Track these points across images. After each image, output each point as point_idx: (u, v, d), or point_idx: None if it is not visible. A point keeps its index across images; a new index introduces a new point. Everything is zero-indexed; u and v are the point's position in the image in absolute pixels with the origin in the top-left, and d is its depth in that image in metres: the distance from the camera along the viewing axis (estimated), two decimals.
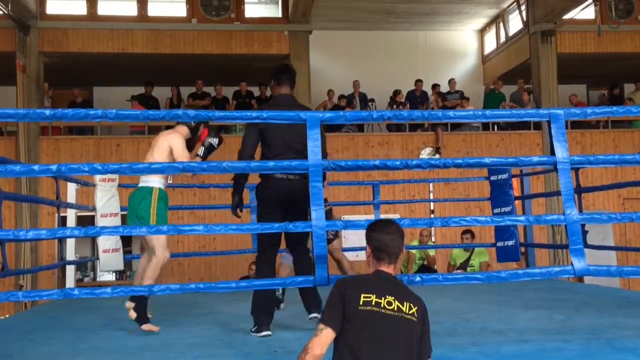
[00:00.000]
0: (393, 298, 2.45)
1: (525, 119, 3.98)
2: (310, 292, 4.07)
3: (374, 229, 2.62)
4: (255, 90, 12.26)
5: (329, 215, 5.25)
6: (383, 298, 2.44)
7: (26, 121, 9.90)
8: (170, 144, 4.33)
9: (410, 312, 2.45)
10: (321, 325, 2.44)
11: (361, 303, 2.42)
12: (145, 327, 4.02)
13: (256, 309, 3.98)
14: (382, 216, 8.53)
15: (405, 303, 2.46)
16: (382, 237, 2.58)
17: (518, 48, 13.13)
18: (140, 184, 4.42)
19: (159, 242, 4.21)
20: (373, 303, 2.42)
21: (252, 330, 3.93)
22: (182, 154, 4.32)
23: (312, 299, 4.08)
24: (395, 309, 2.44)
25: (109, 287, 3.20)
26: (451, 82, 12.66)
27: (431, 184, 11.08)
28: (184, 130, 4.52)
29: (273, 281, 3.74)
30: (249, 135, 4.10)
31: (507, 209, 6.74)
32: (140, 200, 4.32)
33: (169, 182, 4.62)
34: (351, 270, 6.17)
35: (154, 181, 4.39)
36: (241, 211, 4.34)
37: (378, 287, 2.48)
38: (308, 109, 4.24)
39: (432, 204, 11.28)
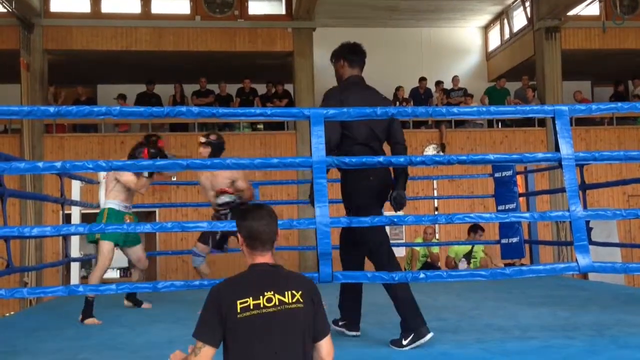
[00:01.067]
0: (272, 292, 2.35)
1: (530, 116, 3.98)
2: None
3: (244, 218, 2.47)
4: (259, 88, 12.25)
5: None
6: (261, 297, 2.33)
7: (30, 118, 9.96)
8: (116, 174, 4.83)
9: (294, 299, 2.36)
10: (199, 344, 2.32)
11: (239, 311, 2.30)
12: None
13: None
14: (386, 213, 8.53)
15: (286, 293, 2.36)
16: (253, 224, 2.44)
17: (522, 44, 13.09)
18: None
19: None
20: (251, 307, 2.31)
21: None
22: (128, 175, 4.83)
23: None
24: (277, 303, 2.34)
25: (113, 284, 3.21)
26: (455, 79, 12.63)
27: (435, 181, 11.07)
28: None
29: None
30: (331, 124, 3.74)
31: (512, 206, 6.74)
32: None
33: (127, 203, 4.99)
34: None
35: (109, 203, 4.90)
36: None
37: (254, 287, 2.37)
38: (376, 91, 4.11)
39: (436, 201, 11.26)
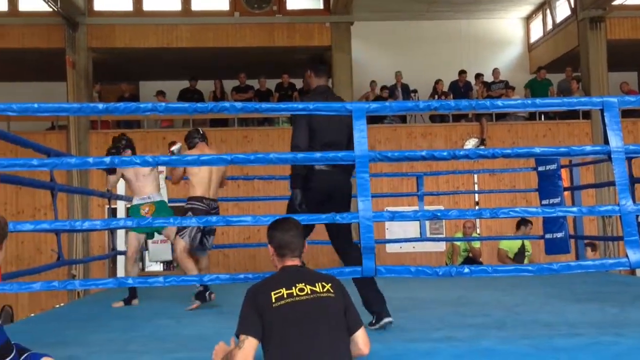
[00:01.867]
0: (304, 284, 2.53)
1: (578, 108, 3.90)
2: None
3: (275, 229, 2.73)
4: (298, 83, 12.29)
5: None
6: (294, 287, 2.52)
7: (80, 115, 10.22)
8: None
9: (325, 289, 2.54)
10: (242, 336, 2.48)
11: (274, 301, 2.48)
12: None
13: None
14: (427, 208, 8.47)
15: (317, 284, 2.55)
16: (284, 236, 2.69)
17: (566, 35, 12.80)
18: None
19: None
20: (285, 296, 2.49)
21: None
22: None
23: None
24: (309, 292, 2.51)
25: (160, 276, 3.28)
26: (495, 71, 12.42)
27: (476, 175, 10.93)
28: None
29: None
30: (300, 127, 3.97)
31: (556, 200, 6.61)
32: None
33: (142, 195, 5.28)
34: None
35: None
36: (305, 206, 4.06)
37: (286, 280, 2.56)
38: (342, 100, 4.20)
39: (476, 195, 11.13)
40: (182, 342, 3.53)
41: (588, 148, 3.72)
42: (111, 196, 5.87)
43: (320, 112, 3.73)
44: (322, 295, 2.53)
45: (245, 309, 2.55)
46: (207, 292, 4.81)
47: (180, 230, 4.86)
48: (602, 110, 3.56)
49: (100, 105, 3.52)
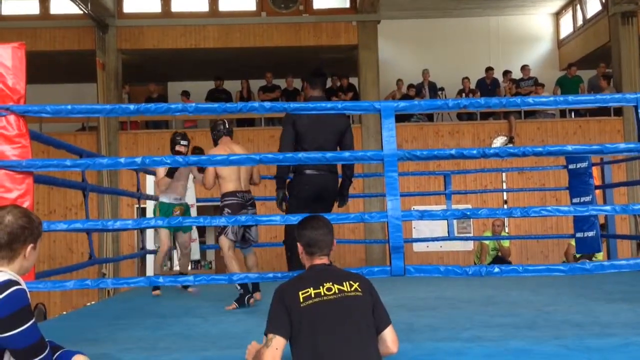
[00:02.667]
0: (331, 283, 2.53)
1: (610, 105, 3.82)
2: None
3: (304, 227, 2.71)
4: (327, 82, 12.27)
5: None
6: (321, 287, 2.51)
7: (112, 116, 10.37)
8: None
9: (352, 288, 2.54)
10: (270, 335, 2.49)
11: (302, 300, 2.48)
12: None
13: None
14: (454, 206, 8.41)
15: (344, 283, 2.54)
16: (313, 234, 2.67)
17: (596, 31, 12.57)
18: None
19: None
20: (313, 295, 2.49)
21: None
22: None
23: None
24: (337, 291, 2.51)
25: (191, 275, 3.32)
26: (524, 68, 12.26)
27: (504, 174, 10.81)
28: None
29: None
30: (284, 133, 4.47)
31: (587, 198, 6.51)
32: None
33: (176, 195, 5.77)
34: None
35: (161, 197, 5.68)
36: (286, 205, 4.56)
37: (314, 280, 2.55)
38: (347, 117, 4.69)
39: (505, 194, 11.01)
40: (211, 340, 3.57)
41: (622, 146, 3.65)
42: (140, 196, 5.95)
43: (347, 111, 3.76)
44: (349, 294, 2.53)
45: (274, 308, 2.56)
46: (247, 297, 4.77)
47: (222, 230, 4.88)
48: (635, 107, 3.49)
49: (132, 106, 3.58)
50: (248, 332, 3.76)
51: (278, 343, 2.47)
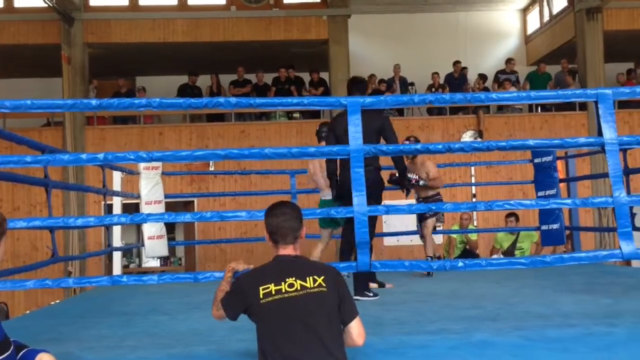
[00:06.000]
0: (294, 279, 2.47)
1: (572, 100, 3.89)
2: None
3: (267, 215, 2.66)
4: (295, 76, 12.26)
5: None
6: (283, 283, 2.46)
7: (74, 111, 10.20)
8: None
9: (316, 284, 2.48)
10: (221, 305, 2.60)
11: (261, 296, 2.45)
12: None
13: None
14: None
15: (307, 278, 2.48)
16: (273, 220, 2.61)
17: (562, 26, 12.77)
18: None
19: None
20: (273, 292, 2.44)
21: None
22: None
23: (359, 283, 4.66)
24: (299, 287, 2.45)
25: (155, 274, 3.29)
26: (510, 62, 12.31)
27: (472, 168, 10.93)
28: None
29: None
30: (328, 140, 4.93)
31: (552, 192, 6.62)
32: None
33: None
34: (433, 251, 6.41)
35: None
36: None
37: (276, 274, 2.50)
38: (381, 114, 4.80)
39: (473, 187, 11.13)
40: (177, 337, 3.55)
41: (582, 140, 3.73)
42: (106, 192, 5.87)
43: (313, 107, 3.76)
44: (312, 291, 2.47)
45: (234, 293, 2.60)
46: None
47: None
48: (596, 102, 3.56)
49: (94, 101, 3.53)
50: (215, 328, 3.74)
51: (223, 315, 2.63)
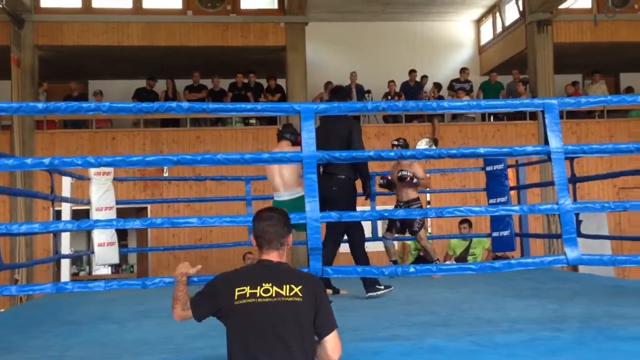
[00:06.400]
0: (270, 284, 2.47)
1: (520, 109, 4.00)
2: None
3: (255, 219, 2.69)
4: (252, 83, 12.21)
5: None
6: (259, 287, 2.46)
7: (19, 114, 9.90)
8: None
9: (292, 293, 2.46)
10: (189, 305, 2.59)
11: (236, 298, 2.45)
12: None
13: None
14: (379, 208, 8.54)
15: (284, 286, 2.47)
16: (260, 224, 2.64)
17: (514, 38, 13.10)
18: (294, 195, 5.23)
19: None
20: (247, 295, 2.44)
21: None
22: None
23: (367, 281, 4.93)
24: (274, 294, 2.45)
25: (102, 281, 3.21)
26: (464, 71, 12.64)
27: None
28: (289, 142, 5.37)
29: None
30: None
31: (503, 199, 6.76)
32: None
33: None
34: (435, 255, 6.60)
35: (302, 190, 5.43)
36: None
37: (253, 278, 2.51)
38: (347, 120, 4.89)
39: (428, 195, 11.27)
40: (125, 347, 3.47)
41: (529, 148, 3.81)
42: (55, 198, 5.71)
43: (267, 113, 3.74)
44: (287, 299, 2.44)
45: (205, 293, 2.57)
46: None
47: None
48: (542, 112, 3.66)
49: (40, 105, 3.43)
50: (164, 338, 3.68)
51: (189, 315, 2.61)
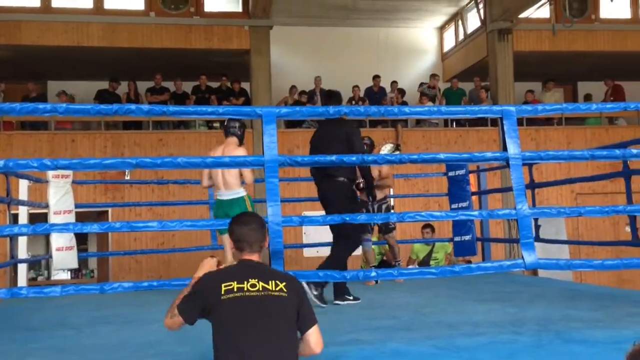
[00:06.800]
0: (257, 280, 2.54)
1: (480, 116, 4.07)
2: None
3: (234, 222, 2.75)
4: (216, 85, 12.13)
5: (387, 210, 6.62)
6: (246, 282, 2.52)
7: None
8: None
9: (277, 288, 2.54)
10: (176, 311, 2.56)
11: (223, 292, 2.49)
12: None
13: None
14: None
15: (270, 282, 2.55)
16: (241, 229, 2.70)
17: (476, 46, 13.33)
18: (234, 195, 5.31)
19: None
20: (235, 289, 2.49)
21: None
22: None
23: (338, 288, 4.93)
24: (260, 288, 2.52)
25: (58, 286, 3.13)
26: (434, 77, 12.87)
27: None
28: (236, 141, 5.46)
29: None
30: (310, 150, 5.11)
31: (464, 204, 6.86)
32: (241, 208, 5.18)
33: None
34: (399, 256, 6.76)
35: (243, 190, 5.41)
36: None
37: (239, 274, 2.57)
38: (346, 124, 4.94)
39: (392, 199, 11.35)
40: (83, 352, 3.40)
41: (489, 154, 3.88)
42: (11, 201, 5.55)
43: (229, 117, 3.73)
44: (273, 294, 2.51)
45: (192, 294, 2.56)
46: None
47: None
48: (501, 119, 3.72)
49: None
50: (122, 343, 3.62)
51: (179, 322, 2.56)
